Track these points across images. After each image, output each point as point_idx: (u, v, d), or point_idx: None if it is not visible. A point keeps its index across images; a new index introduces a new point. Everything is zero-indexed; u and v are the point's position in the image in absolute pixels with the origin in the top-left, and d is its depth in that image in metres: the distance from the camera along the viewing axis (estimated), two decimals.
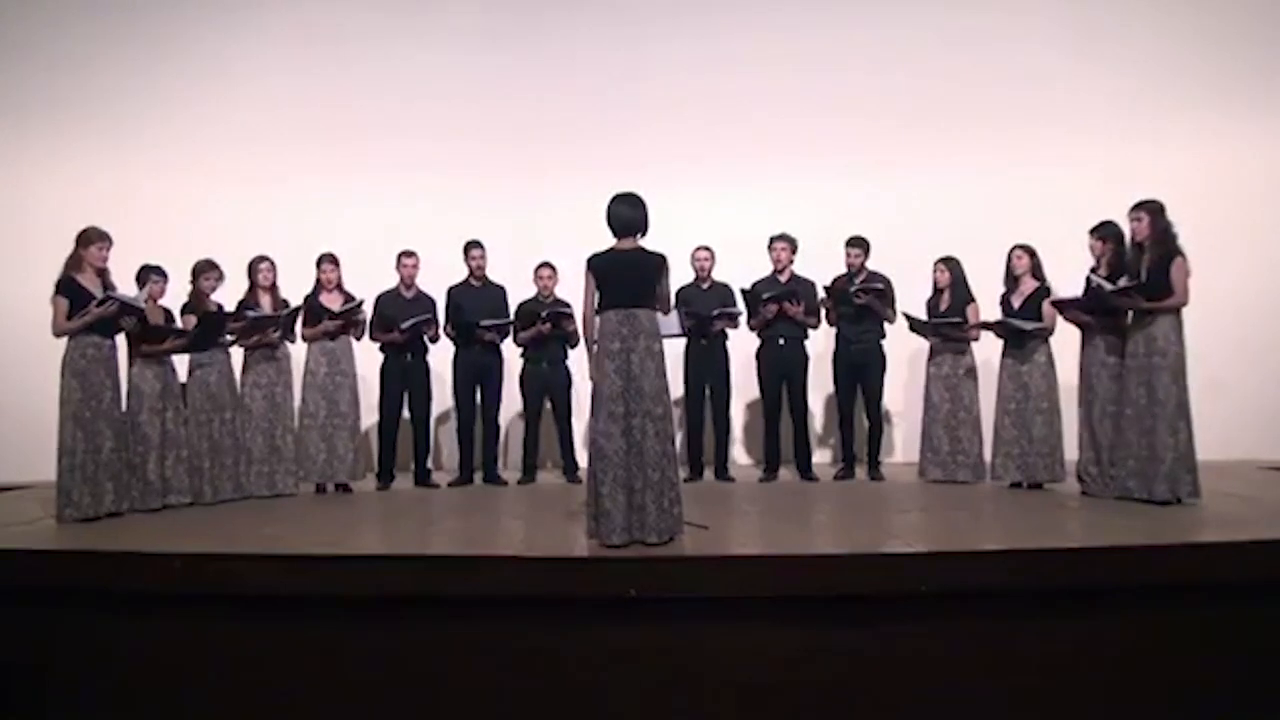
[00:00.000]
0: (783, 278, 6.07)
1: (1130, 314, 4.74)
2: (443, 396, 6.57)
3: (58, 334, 4.67)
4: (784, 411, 6.14)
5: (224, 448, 5.45)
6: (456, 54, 7.43)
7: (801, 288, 6.02)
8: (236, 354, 5.68)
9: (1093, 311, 4.90)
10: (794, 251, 6.07)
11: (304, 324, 5.79)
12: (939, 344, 5.82)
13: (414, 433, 6.14)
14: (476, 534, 4.53)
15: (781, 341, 6.04)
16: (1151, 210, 4.64)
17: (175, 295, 5.44)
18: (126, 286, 4.93)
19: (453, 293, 6.16)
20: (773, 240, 6.08)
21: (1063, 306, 5.06)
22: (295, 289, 5.87)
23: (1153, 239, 4.62)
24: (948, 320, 5.69)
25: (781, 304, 5.91)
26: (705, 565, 3.52)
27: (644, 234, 3.95)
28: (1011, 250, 5.49)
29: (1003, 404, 5.42)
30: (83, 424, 4.61)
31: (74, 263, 4.73)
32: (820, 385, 6.53)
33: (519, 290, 6.28)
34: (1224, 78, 6.99)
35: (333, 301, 5.81)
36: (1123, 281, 4.66)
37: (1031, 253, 5.46)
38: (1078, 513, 4.57)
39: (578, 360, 5.82)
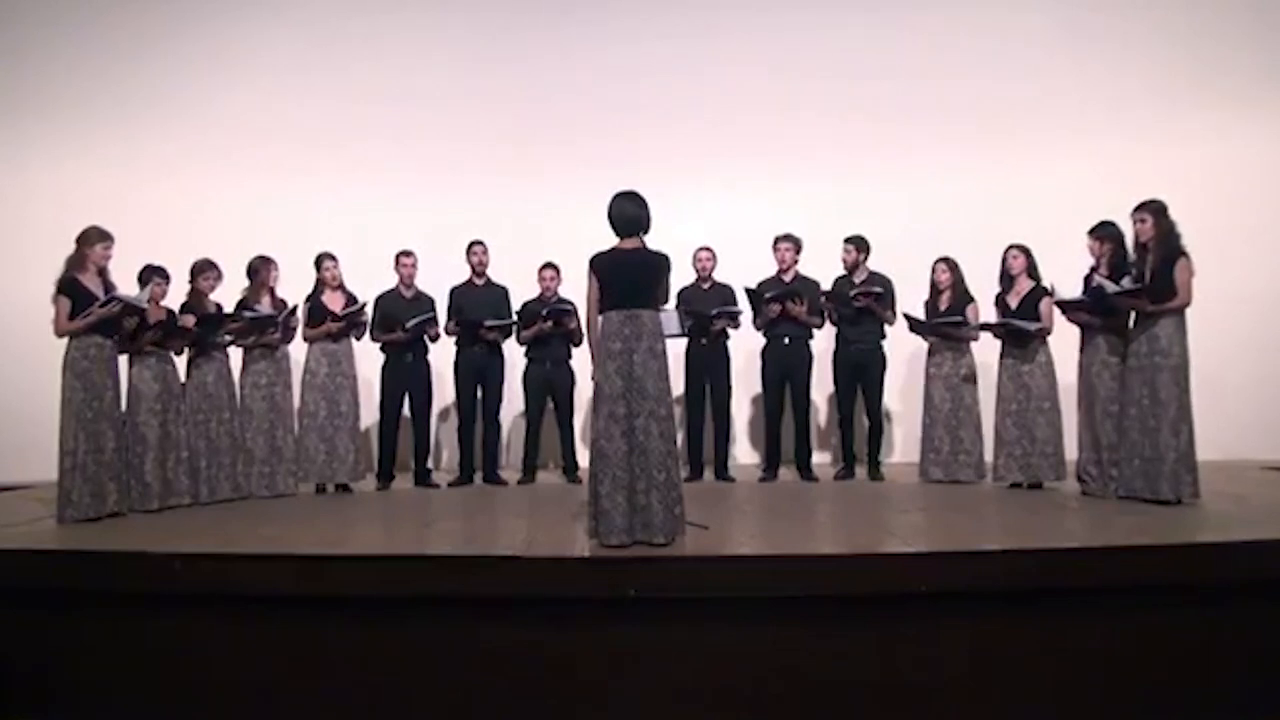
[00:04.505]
0: (787, 278, 6.08)
1: (1133, 314, 4.74)
2: (443, 396, 6.57)
3: (60, 334, 4.66)
4: (786, 411, 6.15)
5: (221, 448, 5.44)
6: (456, 54, 7.43)
7: (805, 287, 6.02)
8: (234, 354, 5.68)
9: (1096, 312, 4.90)
10: (798, 252, 6.08)
11: (306, 324, 5.79)
12: (938, 344, 5.82)
13: (414, 433, 6.13)
14: (476, 534, 4.53)
15: (786, 340, 6.04)
16: (1155, 211, 4.64)
17: (173, 295, 5.42)
18: (125, 286, 4.92)
19: (455, 293, 6.16)
20: (777, 241, 6.09)
21: (1066, 307, 5.05)
22: (294, 289, 5.86)
23: (1156, 240, 4.62)
24: (949, 321, 5.69)
25: (785, 303, 5.92)
26: (705, 565, 3.52)
27: (647, 232, 3.94)
28: (1007, 250, 5.49)
29: (1004, 405, 5.41)
30: (85, 424, 4.60)
31: (76, 262, 4.72)
32: (820, 385, 6.53)
33: (520, 292, 6.27)
34: (1223, 77, 6.99)
35: (334, 301, 5.81)
36: (1126, 282, 4.66)
37: (1027, 252, 5.46)
38: (1078, 513, 4.57)
39: (580, 360, 5.82)
